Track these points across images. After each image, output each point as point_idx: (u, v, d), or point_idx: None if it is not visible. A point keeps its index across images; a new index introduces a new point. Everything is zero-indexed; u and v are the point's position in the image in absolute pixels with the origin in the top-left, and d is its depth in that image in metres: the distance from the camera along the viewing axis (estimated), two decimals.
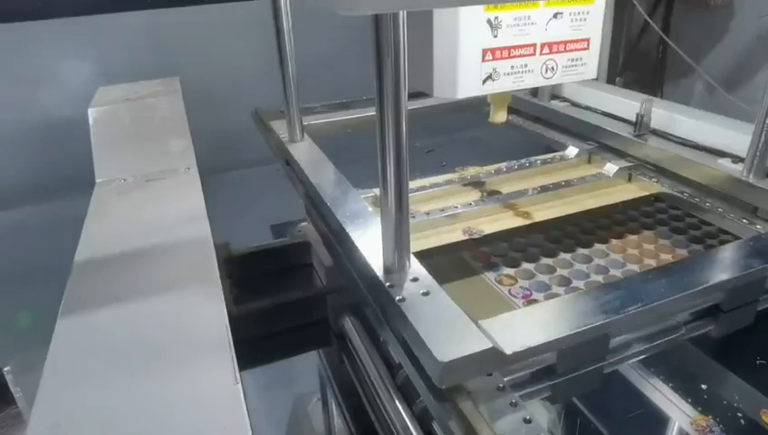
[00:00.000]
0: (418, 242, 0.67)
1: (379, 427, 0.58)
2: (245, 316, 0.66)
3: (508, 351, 0.42)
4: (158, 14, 1.25)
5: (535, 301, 0.64)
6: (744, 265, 0.55)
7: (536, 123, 1.07)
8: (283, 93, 0.83)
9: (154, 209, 0.72)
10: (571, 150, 0.93)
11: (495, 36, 0.59)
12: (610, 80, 1.69)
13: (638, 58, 1.76)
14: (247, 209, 1.13)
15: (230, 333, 0.49)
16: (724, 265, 0.56)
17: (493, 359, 0.42)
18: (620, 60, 1.77)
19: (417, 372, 0.46)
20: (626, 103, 0.95)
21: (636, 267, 0.69)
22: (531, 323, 0.47)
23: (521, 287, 0.67)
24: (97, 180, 0.81)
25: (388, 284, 0.50)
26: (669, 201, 0.81)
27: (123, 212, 0.72)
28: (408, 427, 0.52)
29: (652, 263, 0.71)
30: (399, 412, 0.53)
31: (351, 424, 0.68)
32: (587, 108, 1.02)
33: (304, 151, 0.83)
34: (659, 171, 0.84)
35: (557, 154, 0.94)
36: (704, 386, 0.66)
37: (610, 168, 0.85)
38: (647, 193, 0.81)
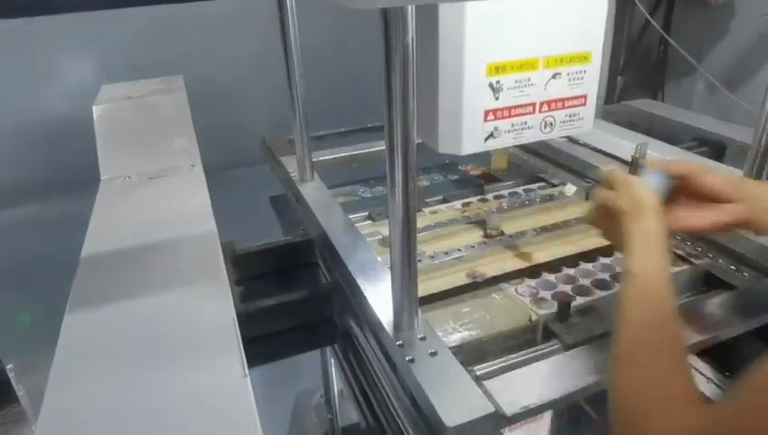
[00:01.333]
0: (424, 284, 0.69)
1: (387, 425, 0.59)
2: (251, 315, 0.66)
3: (509, 413, 0.45)
4: (161, 11, 1.25)
5: (543, 299, 0.65)
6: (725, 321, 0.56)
7: (535, 157, 1.09)
8: (294, 129, 0.84)
9: (159, 206, 0.73)
10: (570, 188, 0.95)
11: (497, 98, 0.63)
12: (611, 79, 1.69)
13: (639, 57, 1.76)
14: (251, 207, 1.14)
15: (238, 328, 0.49)
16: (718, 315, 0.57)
17: (495, 420, 0.45)
18: (621, 59, 1.78)
19: (423, 424, 0.49)
20: (621, 144, 0.99)
21: None
22: (531, 382, 0.50)
23: (527, 286, 0.68)
24: (102, 178, 0.81)
25: (398, 342, 0.52)
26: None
27: (128, 209, 0.73)
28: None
29: None
30: (408, 409, 0.54)
31: (357, 420, 0.68)
32: (585, 145, 1.04)
33: (314, 193, 0.85)
34: None
35: (556, 190, 0.96)
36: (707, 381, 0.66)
37: (570, 188, 0.88)
38: None
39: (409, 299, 0.52)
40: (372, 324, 0.58)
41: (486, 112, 0.63)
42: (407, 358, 0.50)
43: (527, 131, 0.66)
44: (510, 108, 0.64)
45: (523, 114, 0.65)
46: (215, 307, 0.52)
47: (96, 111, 0.92)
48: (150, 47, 1.27)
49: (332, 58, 1.30)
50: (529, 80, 0.63)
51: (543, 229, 0.82)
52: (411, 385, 0.50)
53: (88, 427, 0.42)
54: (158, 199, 0.74)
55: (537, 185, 0.98)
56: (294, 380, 1.22)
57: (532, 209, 0.90)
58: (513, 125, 0.65)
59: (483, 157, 0.96)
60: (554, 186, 0.98)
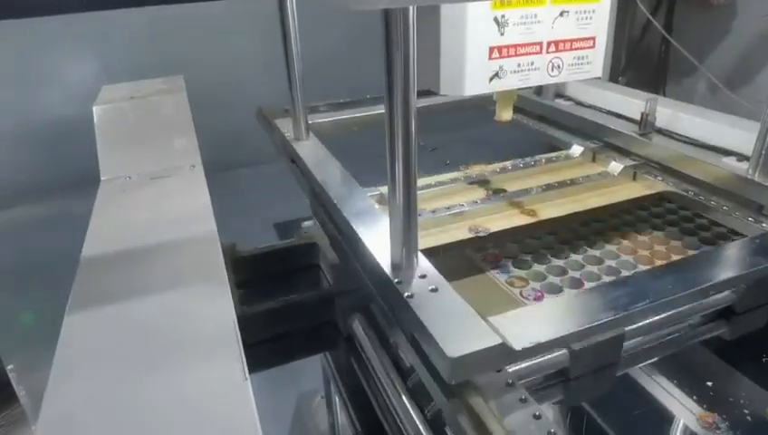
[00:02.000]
0: (425, 240, 0.67)
1: (390, 432, 0.58)
2: (252, 318, 0.65)
3: (517, 346, 0.42)
4: (161, 12, 1.25)
5: None
6: (751, 263, 0.55)
7: (541, 122, 1.07)
8: (289, 91, 0.83)
9: (159, 207, 0.72)
10: (576, 149, 0.93)
11: (502, 34, 0.59)
12: (613, 79, 1.68)
13: (641, 57, 1.76)
14: (252, 207, 1.13)
15: (238, 330, 0.49)
16: (732, 263, 0.56)
17: (502, 354, 0.42)
18: (623, 59, 1.77)
19: (426, 369, 0.46)
20: (630, 102, 0.94)
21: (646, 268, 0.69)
22: (540, 319, 0.47)
23: (532, 289, 0.67)
24: (102, 178, 0.81)
25: (396, 280, 0.50)
26: (674, 200, 0.81)
27: (128, 210, 0.72)
28: (420, 432, 0.52)
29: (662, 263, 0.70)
30: (412, 418, 0.53)
31: (358, 425, 0.68)
32: (591, 107, 1.02)
33: (310, 150, 0.83)
34: (664, 170, 0.83)
35: (561, 153, 0.94)
36: (709, 383, 0.66)
37: (615, 166, 0.85)
38: (652, 192, 0.81)
39: (408, 237, 0.50)
40: (370, 267, 0.55)
41: (491, 49, 0.59)
42: (405, 294, 0.48)
43: (534, 73, 0.62)
44: (516, 46, 0.60)
45: (530, 54, 0.61)
46: (215, 309, 0.52)
47: (96, 111, 0.91)
48: (151, 48, 1.27)
49: (333, 57, 1.30)
50: (536, 16, 0.60)
51: (549, 187, 0.80)
52: (411, 321, 0.47)
53: (87, 428, 0.41)
54: (158, 200, 0.74)
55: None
56: (295, 381, 1.22)
57: (538, 169, 0.88)
58: (519, 65, 0.61)
59: (484, 159, 0.95)
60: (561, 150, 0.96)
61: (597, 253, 0.72)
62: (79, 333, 0.50)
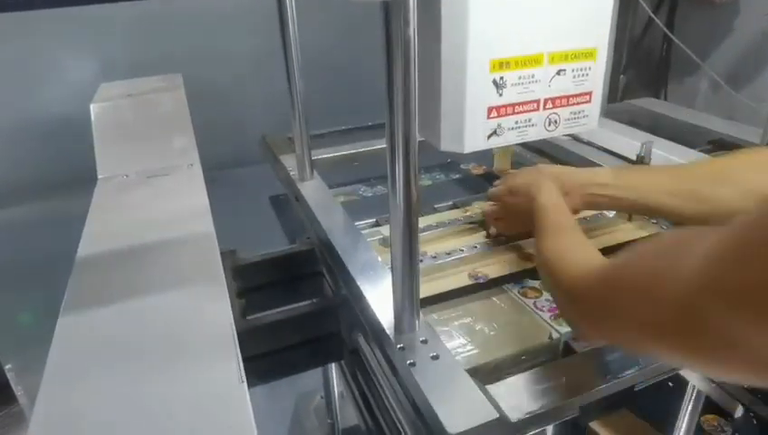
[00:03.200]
0: (425, 286, 0.68)
1: (387, 429, 0.57)
2: (254, 331, 0.63)
3: (513, 418, 0.44)
4: (160, 8, 1.24)
5: None
6: None
7: (539, 156, 1.08)
8: (293, 127, 0.83)
9: (156, 206, 0.72)
10: None
11: (501, 95, 0.61)
12: (614, 78, 1.68)
13: (642, 55, 1.75)
14: (251, 206, 1.13)
15: (235, 331, 0.48)
16: None
17: (499, 427, 0.44)
18: (624, 57, 1.77)
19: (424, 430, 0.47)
20: (626, 142, 0.97)
21: None
22: (536, 388, 0.48)
23: (546, 300, 0.67)
24: (99, 176, 0.80)
25: (399, 346, 0.51)
26: None
27: (125, 208, 0.72)
28: None
29: None
30: (410, 415, 0.52)
31: (358, 421, 0.67)
32: (589, 143, 1.03)
33: (314, 192, 0.84)
34: None
35: None
36: (713, 383, 0.65)
37: None
38: (645, 233, 0.81)
39: (411, 301, 0.51)
40: (373, 327, 0.56)
41: (490, 109, 0.61)
42: (408, 361, 0.49)
43: (531, 129, 0.65)
44: (514, 105, 0.62)
45: (527, 111, 0.64)
46: (212, 309, 0.51)
47: (94, 108, 0.90)
48: (149, 45, 1.26)
49: (333, 56, 1.29)
50: (533, 76, 0.62)
51: None
52: (412, 390, 0.48)
53: (80, 430, 0.40)
54: (156, 199, 0.73)
55: None
56: (294, 382, 1.21)
57: None
58: (516, 122, 0.64)
59: (485, 156, 0.95)
60: None
61: None
62: (73, 334, 0.50)
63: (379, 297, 0.57)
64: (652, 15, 1.50)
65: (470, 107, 0.60)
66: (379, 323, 0.54)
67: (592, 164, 0.96)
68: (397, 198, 0.46)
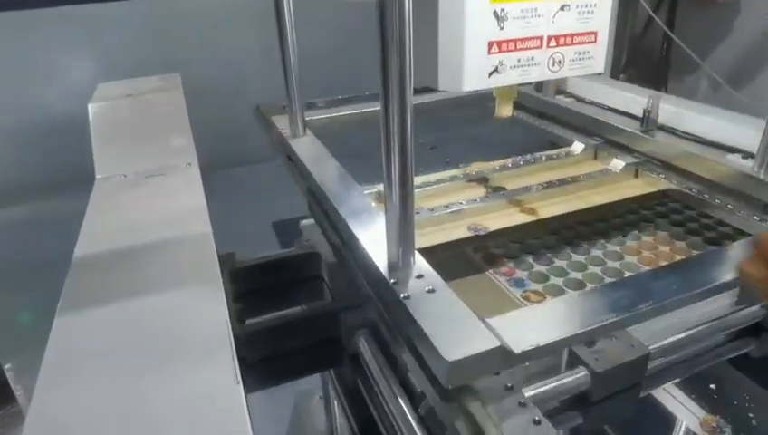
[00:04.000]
0: (423, 238, 0.66)
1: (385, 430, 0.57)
2: (252, 336, 0.62)
3: (517, 349, 0.41)
4: (159, 9, 1.24)
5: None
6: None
7: (541, 119, 1.06)
8: (285, 88, 0.82)
9: (154, 205, 0.71)
10: (577, 146, 0.92)
11: (502, 28, 0.58)
12: (614, 76, 1.67)
13: (642, 54, 1.74)
14: (250, 205, 1.12)
15: (231, 331, 0.48)
16: (736, 263, 0.54)
17: (501, 358, 0.41)
18: (624, 56, 1.76)
19: (423, 372, 0.45)
20: (632, 99, 0.93)
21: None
22: (539, 321, 0.46)
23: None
24: (97, 176, 0.80)
25: (392, 281, 0.49)
26: (677, 198, 0.80)
27: (123, 208, 0.71)
28: None
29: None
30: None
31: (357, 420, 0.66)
32: (592, 103, 1.00)
33: (306, 147, 0.82)
34: (667, 167, 0.82)
35: (562, 150, 0.93)
36: (713, 386, 0.65)
37: (617, 163, 0.84)
38: (654, 189, 0.80)
39: (404, 236, 0.49)
40: (366, 267, 0.53)
41: (490, 44, 0.57)
42: (402, 295, 0.46)
43: (534, 68, 0.61)
44: (516, 40, 0.58)
45: (530, 48, 0.60)
46: (208, 310, 0.51)
47: (92, 108, 0.90)
48: (147, 45, 1.26)
49: (333, 55, 1.29)
50: (536, 9, 0.58)
51: (549, 185, 0.79)
52: (407, 323, 0.45)
53: (75, 429, 0.40)
54: (153, 198, 0.73)
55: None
56: (293, 382, 1.21)
57: (538, 167, 0.87)
58: (518, 60, 0.60)
59: (484, 156, 0.94)
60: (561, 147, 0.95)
61: (599, 253, 0.71)
62: (69, 334, 0.50)
63: (373, 239, 0.55)
64: (652, 15, 1.50)
65: (469, 40, 0.56)
66: (372, 262, 0.52)
67: (597, 122, 0.93)
68: (389, 127, 0.43)
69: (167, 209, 0.70)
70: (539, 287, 0.67)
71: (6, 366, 1.23)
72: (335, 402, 1.05)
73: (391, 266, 0.50)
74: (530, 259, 0.70)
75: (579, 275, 0.67)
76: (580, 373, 0.49)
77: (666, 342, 0.54)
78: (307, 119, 0.86)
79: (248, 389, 0.42)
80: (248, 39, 1.31)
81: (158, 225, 0.66)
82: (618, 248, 0.72)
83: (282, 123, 0.89)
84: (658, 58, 1.70)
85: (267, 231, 1.03)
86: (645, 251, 0.71)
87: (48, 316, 0.52)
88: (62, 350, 0.48)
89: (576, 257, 0.70)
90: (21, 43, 1.19)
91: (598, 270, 0.68)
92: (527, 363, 0.53)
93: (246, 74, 1.34)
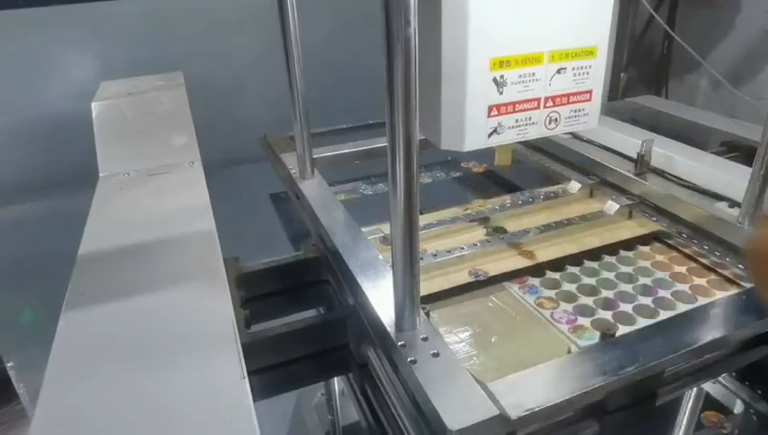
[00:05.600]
0: (426, 284, 0.69)
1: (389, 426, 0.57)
2: (259, 344, 0.62)
3: (513, 416, 0.44)
4: (161, 6, 1.24)
5: (581, 327, 0.64)
6: (738, 323, 0.55)
7: (539, 154, 1.08)
8: (294, 126, 0.83)
9: (158, 204, 0.72)
10: (574, 185, 0.95)
11: (501, 93, 0.61)
12: (615, 76, 1.67)
13: (643, 53, 1.75)
14: (252, 204, 1.13)
15: (236, 328, 0.49)
16: (721, 321, 0.56)
17: (499, 423, 0.44)
18: (625, 55, 1.76)
19: (424, 426, 0.48)
20: (627, 140, 0.96)
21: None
22: (536, 385, 0.48)
23: (564, 311, 0.67)
24: (100, 175, 0.80)
25: (400, 343, 0.51)
26: (669, 241, 0.81)
27: (127, 206, 0.72)
28: None
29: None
30: (411, 412, 0.53)
31: (359, 418, 0.67)
32: (589, 141, 1.03)
33: (314, 190, 0.84)
34: (659, 211, 0.84)
35: (560, 187, 0.95)
36: (713, 381, 0.65)
37: (611, 205, 0.86)
38: (646, 231, 0.82)
39: (411, 299, 0.51)
40: (374, 325, 0.57)
41: (490, 108, 0.61)
42: (408, 359, 0.49)
43: (531, 127, 0.65)
44: (514, 103, 0.62)
45: (528, 110, 0.63)
46: (213, 307, 0.52)
47: (95, 107, 0.91)
48: (150, 43, 1.26)
49: (333, 54, 1.29)
50: (533, 75, 0.62)
51: (547, 227, 0.81)
52: (414, 387, 0.49)
53: (83, 426, 0.41)
54: (157, 197, 0.73)
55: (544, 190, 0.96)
56: None
57: (536, 207, 0.90)
58: (516, 121, 0.64)
59: (485, 154, 0.94)
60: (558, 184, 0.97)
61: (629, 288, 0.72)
62: (75, 332, 0.50)
63: (380, 295, 0.58)
64: (653, 13, 1.50)
65: (470, 105, 0.60)
66: (380, 322, 0.54)
67: (593, 162, 0.96)
68: (397, 196, 0.46)
69: (171, 208, 0.71)
70: (552, 294, 0.69)
71: (9, 364, 1.23)
72: (337, 399, 1.05)
73: (398, 328, 0.53)
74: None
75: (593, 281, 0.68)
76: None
77: (682, 350, 0.54)
78: (315, 156, 0.89)
79: (255, 397, 0.42)
80: (250, 36, 1.31)
81: (162, 223, 0.67)
82: (611, 294, 0.72)
83: (290, 161, 0.92)
84: (659, 57, 1.70)
85: (270, 229, 1.04)
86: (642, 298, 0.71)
87: (51, 314, 0.53)
88: (69, 347, 0.48)
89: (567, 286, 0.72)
90: (21, 43, 1.19)
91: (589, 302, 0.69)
92: None
93: (248, 72, 1.34)
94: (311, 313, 0.77)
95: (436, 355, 0.50)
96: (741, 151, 0.99)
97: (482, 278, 0.72)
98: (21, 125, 1.22)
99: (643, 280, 0.72)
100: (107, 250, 0.62)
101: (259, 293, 0.72)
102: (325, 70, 1.13)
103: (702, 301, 0.68)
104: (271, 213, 1.08)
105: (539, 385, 0.48)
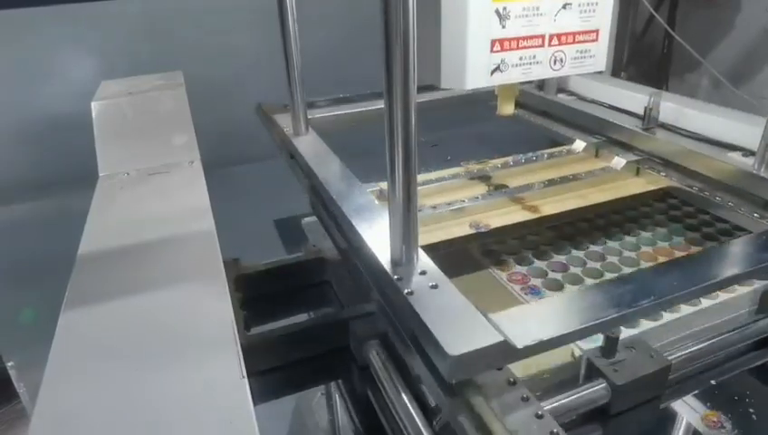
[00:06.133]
0: (425, 236, 0.67)
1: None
2: (259, 347, 0.61)
3: (519, 344, 0.41)
4: (161, 6, 1.24)
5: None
6: (758, 260, 0.54)
7: (543, 117, 1.06)
8: (287, 86, 0.82)
9: (157, 203, 0.72)
10: (579, 144, 0.92)
11: (504, 27, 0.58)
12: (615, 74, 1.68)
13: (643, 52, 1.74)
14: (252, 204, 1.13)
15: (236, 328, 0.48)
16: (738, 259, 0.55)
17: (504, 353, 0.41)
18: (625, 54, 1.76)
19: (426, 368, 0.45)
20: (633, 97, 0.94)
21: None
22: (542, 316, 0.46)
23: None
24: (100, 174, 0.80)
25: (396, 277, 0.49)
26: (678, 195, 0.80)
27: (126, 206, 0.72)
28: None
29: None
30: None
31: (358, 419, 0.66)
32: (593, 101, 1.01)
33: (309, 145, 0.82)
34: (668, 165, 0.83)
35: (564, 148, 0.93)
36: (713, 381, 0.65)
37: (618, 161, 0.85)
38: (655, 187, 0.81)
39: (408, 232, 0.49)
40: (370, 264, 0.54)
41: (493, 42, 0.58)
42: (405, 291, 0.47)
43: (536, 66, 0.61)
44: (518, 39, 0.59)
45: (532, 47, 0.60)
46: (212, 306, 0.51)
47: (95, 106, 0.90)
48: (150, 42, 1.26)
49: (333, 54, 1.29)
50: (538, 8, 0.59)
51: (551, 182, 0.79)
52: (410, 320, 0.46)
53: (82, 426, 0.41)
54: (156, 196, 0.73)
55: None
56: None
57: (540, 165, 0.88)
58: (520, 58, 0.60)
59: (485, 155, 0.94)
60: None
61: (599, 249, 0.71)
62: (75, 331, 0.50)
63: (376, 236, 0.55)
64: (653, 12, 1.50)
65: (472, 39, 0.57)
66: (375, 259, 0.52)
67: (598, 120, 0.94)
68: (393, 114, 0.44)
69: (170, 207, 0.70)
70: (538, 283, 0.68)
71: (9, 363, 1.23)
72: (338, 400, 1.05)
73: (395, 263, 0.51)
74: (530, 255, 0.70)
75: (578, 271, 0.67)
76: (600, 385, 0.49)
77: (687, 352, 0.54)
78: (309, 117, 0.86)
79: (255, 401, 0.41)
80: (249, 36, 1.31)
81: (162, 222, 0.66)
82: (617, 244, 0.72)
83: (284, 122, 0.89)
84: (659, 56, 1.70)
85: (270, 229, 1.03)
86: (645, 247, 0.71)
87: (50, 314, 0.52)
88: (68, 346, 0.48)
89: (575, 253, 0.70)
90: (21, 43, 1.19)
91: (597, 265, 0.68)
92: (546, 375, 0.54)
93: (249, 72, 1.34)
94: (311, 314, 0.76)
95: (434, 287, 0.47)
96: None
97: (483, 230, 0.69)
98: (21, 125, 1.22)
99: (611, 259, 0.71)
100: (106, 250, 0.62)
101: (259, 294, 0.72)
102: (322, 49, 1.11)
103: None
104: (271, 212, 1.07)
105: (544, 318, 0.46)
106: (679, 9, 1.62)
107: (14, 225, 1.20)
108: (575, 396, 0.49)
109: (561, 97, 1.05)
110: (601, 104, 0.99)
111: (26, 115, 1.22)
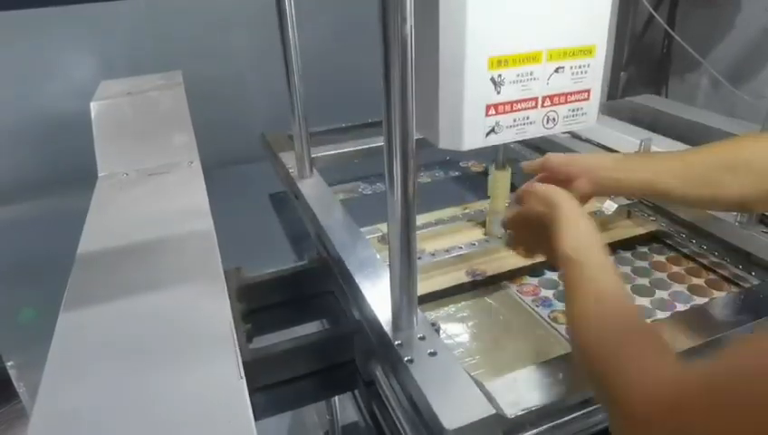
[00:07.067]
0: (423, 283, 0.69)
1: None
2: (262, 361, 0.60)
3: (510, 414, 0.44)
4: (159, 6, 1.24)
5: None
6: (731, 323, 0.56)
7: (536, 153, 1.07)
8: (293, 126, 0.83)
9: (157, 204, 0.72)
10: None
11: (499, 93, 0.61)
12: (614, 75, 1.67)
13: (643, 52, 1.74)
14: (253, 204, 1.13)
15: (234, 328, 0.49)
16: (719, 321, 0.56)
17: (495, 423, 0.44)
18: (624, 54, 1.76)
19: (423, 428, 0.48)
20: (625, 139, 0.96)
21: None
22: (536, 383, 0.48)
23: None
24: (99, 174, 0.80)
25: (397, 342, 0.51)
26: (667, 239, 0.81)
27: (125, 206, 0.72)
28: None
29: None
30: (408, 411, 0.52)
31: (358, 418, 0.66)
32: (587, 141, 1.03)
33: (313, 189, 0.85)
34: (657, 210, 0.84)
35: None
36: None
37: (610, 205, 0.86)
38: (645, 231, 0.82)
39: (408, 298, 0.51)
40: (371, 324, 0.56)
41: (488, 107, 0.61)
42: (405, 358, 0.49)
43: (529, 126, 0.64)
44: (512, 102, 0.62)
45: (526, 109, 0.63)
46: (211, 307, 0.52)
47: (94, 106, 0.91)
48: (150, 42, 1.26)
49: (332, 53, 1.29)
50: (531, 73, 0.61)
51: None
52: (410, 386, 0.49)
53: (81, 425, 0.41)
54: (156, 196, 0.73)
55: None
56: None
57: None
58: (514, 120, 0.63)
59: (485, 155, 0.94)
60: None
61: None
62: (73, 331, 0.50)
63: (378, 294, 0.58)
64: (653, 12, 1.50)
65: (468, 104, 0.60)
66: (377, 321, 0.54)
67: None
68: (394, 195, 0.46)
69: (169, 207, 0.70)
70: (549, 294, 0.69)
71: (9, 363, 1.23)
72: (336, 399, 1.05)
73: (396, 326, 0.53)
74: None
75: None
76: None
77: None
78: (313, 156, 0.89)
79: (256, 416, 0.41)
80: (250, 36, 1.31)
81: (161, 222, 0.66)
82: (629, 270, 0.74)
83: (289, 161, 0.92)
84: (659, 56, 1.70)
85: (269, 229, 1.04)
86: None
87: (50, 314, 0.53)
88: (67, 346, 0.48)
89: None
90: (21, 43, 1.19)
91: None
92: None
93: (248, 72, 1.34)
94: (315, 325, 0.77)
95: (433, 354, 0.50)
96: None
97: (479, 278, 0.72)
98: (21, 125, 1.22)
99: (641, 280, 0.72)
100: (106, 250, 0.62)
101: (262, 304, 0.72)
102: (324, 69, 1.13)
103: (699, 301, 0.68)
104: (270, 213, 1.08)
105: (537, 384, 0.48)
106: (679, 9, 1.62)
107: (14, 225, 1.20)
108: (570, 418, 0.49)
109: (556, 134, 1.06)
110: (595, 144, 1.01)
111: (25, 115, 1.22)
